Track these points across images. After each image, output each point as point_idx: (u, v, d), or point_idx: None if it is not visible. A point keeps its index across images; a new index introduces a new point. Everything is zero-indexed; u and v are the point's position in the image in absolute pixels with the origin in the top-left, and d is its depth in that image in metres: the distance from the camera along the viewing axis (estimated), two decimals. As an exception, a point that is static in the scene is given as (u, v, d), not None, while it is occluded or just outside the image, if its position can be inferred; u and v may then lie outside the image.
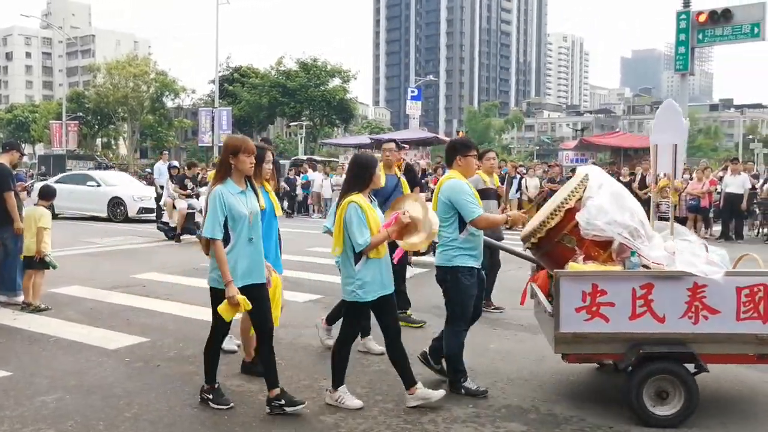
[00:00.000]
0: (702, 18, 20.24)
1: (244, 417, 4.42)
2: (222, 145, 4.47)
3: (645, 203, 16.91)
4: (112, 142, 68.86)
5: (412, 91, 37.28)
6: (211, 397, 4.56)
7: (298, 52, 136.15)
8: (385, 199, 6.65)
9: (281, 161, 16.33)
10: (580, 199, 4.62)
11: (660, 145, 5.67)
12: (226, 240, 4.27)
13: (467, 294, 4.89)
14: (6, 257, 7.63)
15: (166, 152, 19.71)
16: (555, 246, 4.69)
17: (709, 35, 20.56)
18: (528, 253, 5.23)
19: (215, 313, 4.35)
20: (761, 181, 17.73)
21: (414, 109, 35.98)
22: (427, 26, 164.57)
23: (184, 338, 6.32)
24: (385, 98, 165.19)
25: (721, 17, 19.98)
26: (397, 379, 5.14)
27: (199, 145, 48.80)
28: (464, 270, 4.83)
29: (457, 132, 41.11)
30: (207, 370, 4.60)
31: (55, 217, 18.46)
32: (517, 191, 18.79)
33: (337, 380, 4.60)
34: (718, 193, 16.14)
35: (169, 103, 61.52)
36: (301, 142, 54.59)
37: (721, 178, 16.55)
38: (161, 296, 8.28)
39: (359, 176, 4.55)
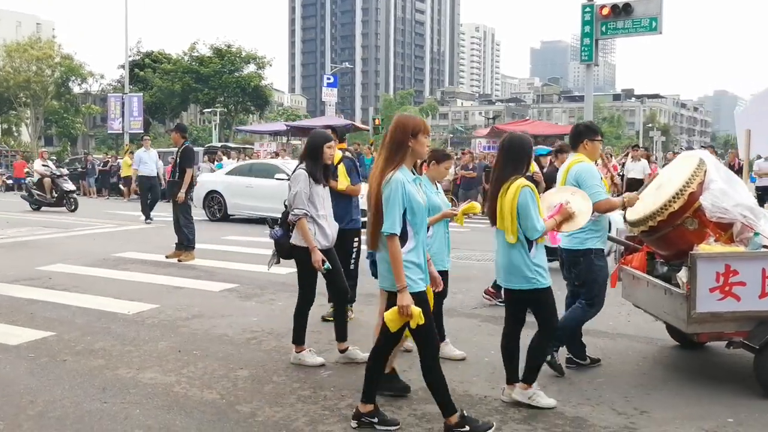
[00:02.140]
0: (605, 11, 21.10)
1: (157, 410, 4.31)
2: (394, 123, 3.84)
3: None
4: (14, 128, 65.10)
5: (328, 78, 37.08)
6: (376, 420, 3.95)
7: (211, 37, 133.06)
8: None
9: (195, 148, 15.44)
10: (701, 183, 4.75)
11: (755, 131, 5.66)
12: (402, 237, 3.73)
13: (601, 274, 4.97)
14: None
15: (147, 138, 17.02)
16: (676, 229, 4.81)
17: (611, 28, 21.42)
18: (620, 236, 5.46)
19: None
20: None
21: (330, 96, 35.85)
22: (342, 14, 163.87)
23: (93, 331, 6.10)
24: (301, 85, 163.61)
25: (622, 11, 20.88)
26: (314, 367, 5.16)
27: (109, 132, 46.94)
28: (597, 252, 4.91)
29: (374, 119, 41.15)
30: (367, 388, 3.98)
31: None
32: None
33: (533, 375, 4.36)
34: (621, 176, 16.93)
35: (76, 89, 58.60)
36: (215, 129, 53.36)
37: (623, 164, 17.36)
38: (68, 288, 7.95)
39: (520, 158, 4.27)
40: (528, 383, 4.35)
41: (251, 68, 53.98)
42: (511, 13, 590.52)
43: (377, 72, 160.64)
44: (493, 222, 4.34)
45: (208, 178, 17.21)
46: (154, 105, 52.50)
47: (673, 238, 4.92)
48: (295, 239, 5.14)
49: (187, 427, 4.05)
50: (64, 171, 19.20)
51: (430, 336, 3.80)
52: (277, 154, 23.65)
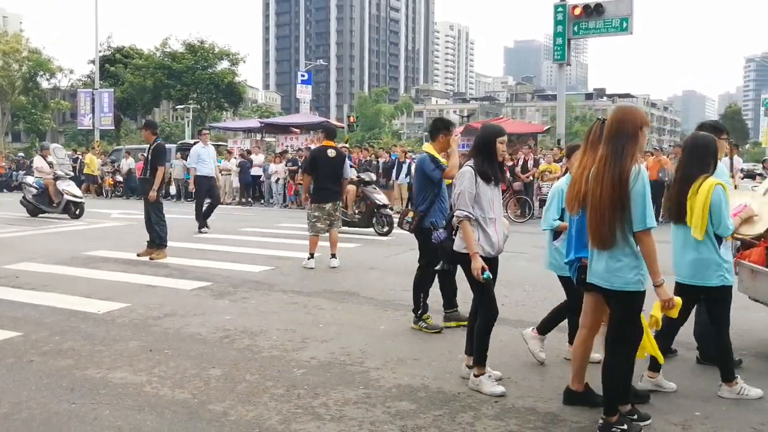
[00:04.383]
0: (577, 11, 21.39)
1: (127, 411, 4.25)
2: (620, 116, 3.76)
3: (528, 186, 17.72)
4: (-21, 124, 63.96)
5: (303, 76, 37.06)
6: (624, 427, 3.82)
7: (184, 33, 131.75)
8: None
9: (168, 145, 15.11)
10: None
11: None
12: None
13: None
14: None
15: (207, 132, 14.83)
16: None
17: (583, 28, 21.71)
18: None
19: (636, 320, 3.81)
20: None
21: (304, 93, 35.86)
22: (317, 11, 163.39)
23: (61, 331, 6.00)
24: (275, 82, 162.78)
25: (594, 11, 21.19)
26: (291, 363, 5.13)
27: (79, 128, 46.28)
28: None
29: (348, 117, 41.12)
30: (622, 395, 3.91)
31: None
32: (406, 176, 19.07)
33: (731, 372, 4.47)
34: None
35: (45, 84, 57.84)
36: (188, 126, 52.95)
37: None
38: (36, 287, 7.81)
39: (705, 157, 4.33)
40: (731, 380, 4.47)
41: (225, 64, 53.76)
42: (485, 12, 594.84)
43: (352, 69, 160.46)
44: (675, 219, 4.47)
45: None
46: (126, 101, 51.96)
47: None
48: (457, 244, 4.72)
49: (159, 428, 4.00)
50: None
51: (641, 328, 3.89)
52: (249, 152, 23.49)
